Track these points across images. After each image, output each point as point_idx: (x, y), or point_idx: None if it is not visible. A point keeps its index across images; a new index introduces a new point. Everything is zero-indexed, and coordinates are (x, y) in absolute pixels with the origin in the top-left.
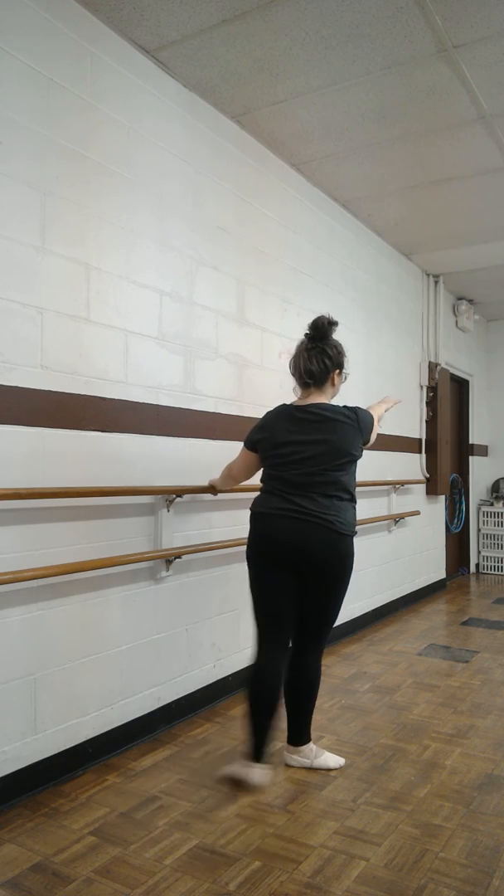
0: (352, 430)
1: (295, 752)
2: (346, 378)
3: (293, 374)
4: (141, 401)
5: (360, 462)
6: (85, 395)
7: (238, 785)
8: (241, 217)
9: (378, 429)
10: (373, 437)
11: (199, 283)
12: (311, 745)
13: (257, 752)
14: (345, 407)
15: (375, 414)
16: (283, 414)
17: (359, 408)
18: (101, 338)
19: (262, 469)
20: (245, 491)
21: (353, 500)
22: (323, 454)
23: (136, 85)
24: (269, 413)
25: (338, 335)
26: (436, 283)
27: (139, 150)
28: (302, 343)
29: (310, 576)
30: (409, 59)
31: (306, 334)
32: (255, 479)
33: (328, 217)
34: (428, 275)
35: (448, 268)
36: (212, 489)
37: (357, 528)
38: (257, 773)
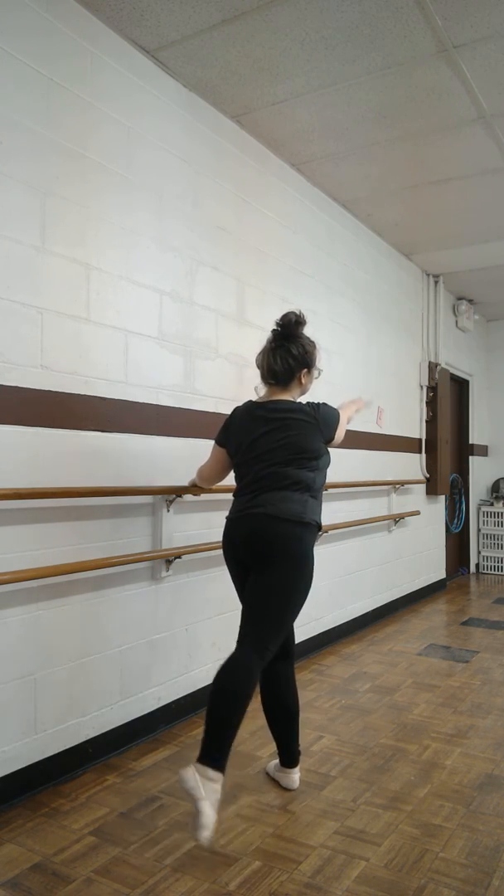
0: (310, 427)
1: (204, 775)
2: (319, 375)
3: (259, 370)
4: (141, 401)
5: (359, 462)
6: (85, 395)
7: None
8: (241, 217)
9: (344, 427)
10: (338, 434)
11: (199, 283)
12: (221, 781)
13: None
14: (308, 404)
15: (344, 414)
16: (245, 412)
17: (324, 404)
18: (101, 338)
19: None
20: None
21: (311, 495)
22: (278, 452)
23: (136, 85)
24: (235, 410)
25: (337, 335)
26: (436, 283)
27: (139, 150)
28: (268, 339)
29: (253, 564)
30: (409, 59)
31: (274, 330)
32: None
33: (328, 217)
34: (428, 275)
35: (448, 268)
36: (196, 489)
37: (340, 531)
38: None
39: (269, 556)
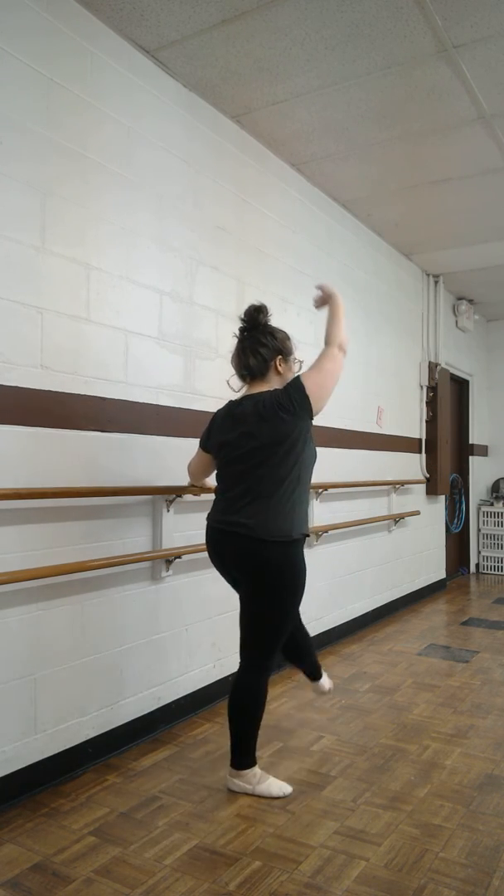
0: (273, 416)
1: (235, 776)
2: (299, 366)
3: (234, 370)
4: (141, 401)
5: (359, 462)
6: (85, 395)
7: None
8: (241, 217)
9: (335, 368)
10: (319, 394)
11: (199, 283)
12: (255, 770)
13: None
14: (273, 391)
15: (328, 354)
16: (225, 413)
17: (288, 383)
18: (101, 338)
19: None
20: None
21: (291, 495)
22: (250, 449)
23: (136, 85)
24: (217, 411)
25: None
26: (436, 283)
27: (139, 149)
28: (236, 337)
29: (242, 583)
30: (409, 59)
31: (239, 327)
32: None
33: (328, 217)
34: (428, 275)
35: (448, 268)
36: (195, 489)
37: (336, 531)
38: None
39: (259, 580)
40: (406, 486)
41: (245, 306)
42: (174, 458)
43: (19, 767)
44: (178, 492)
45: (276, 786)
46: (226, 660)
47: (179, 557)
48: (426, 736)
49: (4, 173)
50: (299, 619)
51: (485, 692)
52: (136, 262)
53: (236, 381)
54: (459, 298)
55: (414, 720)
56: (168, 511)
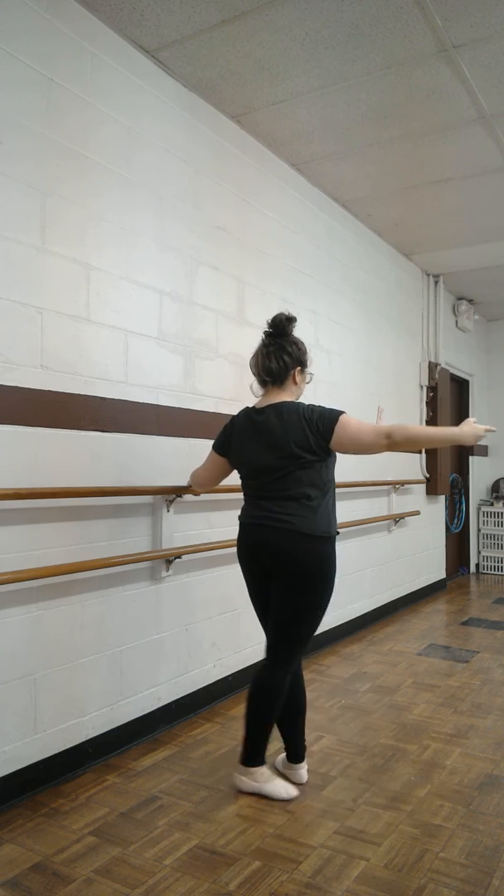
0: (299, 429)
1: (245, 774)
2: (310, 378)
3: (253, 374)
4: (141, 401)
5: (359, 462)
6: (85, 395)
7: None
8: (240, 217)
9: (369, 440)
10: (351, 437)
11: (199, 283)
12: (263, 769)
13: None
14: (302, 406)
15: (379, 426)
16: (244, 418)
17: (321, 407)
18: (101, 338)
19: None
20: None
21: (322, 499)
22: (280, 455)
23: (136, 85)
24: (234, 418)
25: (337, 335)
26: (436, 283)
27: (139, 149)
28: (261, 340)
29: (277, 580)
30: (409, 59)
31: (265, 332)
32: None
33: (328, 217)
34: (428, 275)
35: (448, 268)
36: (193, 489)
37: (340, 530)
38: (300, 773)
39: (289, 573)
40: (406, 486)
41: (245, 306)
42: (174, 458)
43: (19, 767)
44: (178, 492)
45: (283, 787)
46: (226, 660)
47: (179, 557)
48: (426, 736)
49: (4, 173)
50: (302, 682)
51: (485, 692)
52: (136, 261)
53: (258, 387)
54: (459, 298)
55: (414, 720)
56: (168, 511)
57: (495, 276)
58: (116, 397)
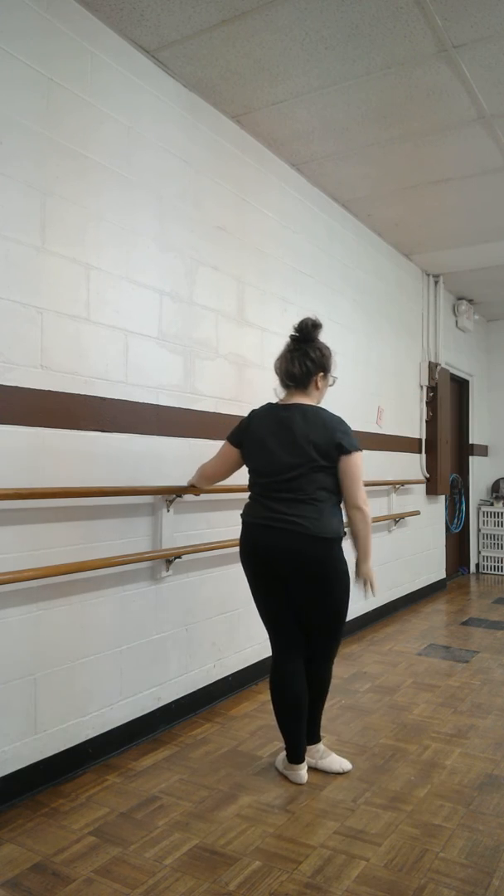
0: (326, 435)
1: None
2: (333, 382)
3: (276, 375)
4: (141, 401)
5: None
6: (85, 395)
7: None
8: (240, 217)
9: (359, 473)
10: (353, 467)
11: (199, 283)
12: (319, 746)
13: (293, 754)
14: (327, 413)
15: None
16: (268, 414)
17: (342, 423)
18: (101, 338)
19: (247, 472)
20: (246, 491)
21: (334, 501)
22: (300, 453)
23: (136, 85)
24: (254, 412)
25: (337, 335)
26: (436, 283)
27: (139, 149)
28: (286, 344)
29: (295, 585)
30: (409, 59)
31: (291, 336)
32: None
33: (328, 217)
34: (428, 275)
35: (448, 268)
36: (194, 489)
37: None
38: (300, 774)
39: (309, 577)
40: (406, 486)
41: (245, 306)
42: (174, 458)
43: (19, 767)
44: (178, 492)
45: (338, 762)
46: (226, 660)
47: (179, 557)
48: (426, 736)
49: (4, 173)
50: (327, 670)
51: (485, 692)
52: (135, 261)
53: (281, 390)
54: (459, 298)
55: (414, 720)
56: (168, 511)
57: (495, 276)
58: (116, 397)
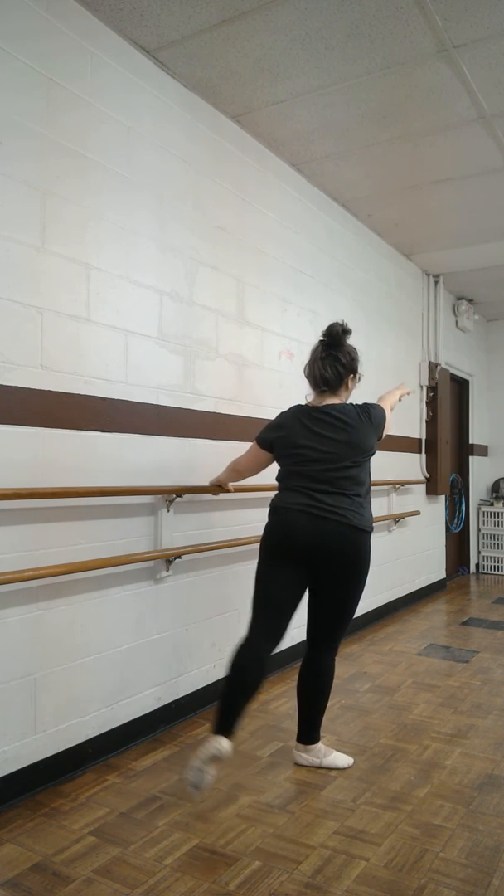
0: (366, 428)
1: (304, 751)
2: (360, 379)
3: (307, 379)
4: (141, 401)
5: None
6: (85, 395)
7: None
8: (240, 217)
9: (391, 419)
10: (385, 429)
11: (199, 283)
12: (320, 745)
13: (221, 726)
14: (357, 406)
15: (387, 404)
16: (299, 414)
17: (370, 405)
18: (101, 338)
19: (278, 467)
20: (246, 491)
21: (367, 496)
22: (340, 452)
23: (136, 85)
24: (283, 413)
25: None
26: (436, 283)
27: (139, 149)
28: (316, 350)
29: (326, 572)
30: (409, 59)
31: (321, 341)
32: (256, 480)
33: (328, 217)
34: (428, 275)
35: (448, 268)
36: (215, 489)
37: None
38: (221, 743)
39: (343, 565)
40: (406, 486)
41: (245, 306)
42: (174, 458)
43: (19, 767)
44: (178, 492)
45: (342, 759)
46: (226, 660)
47: (179, 557)
48: (426, 736)
49: (4, 173)
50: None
51: (485, 692)
52: (135, 261)
53: (311, 392)
54: (459, 298)
55: (414, 720)
56: (168, 511)
57: (495, 276)
58: (116, 397)
